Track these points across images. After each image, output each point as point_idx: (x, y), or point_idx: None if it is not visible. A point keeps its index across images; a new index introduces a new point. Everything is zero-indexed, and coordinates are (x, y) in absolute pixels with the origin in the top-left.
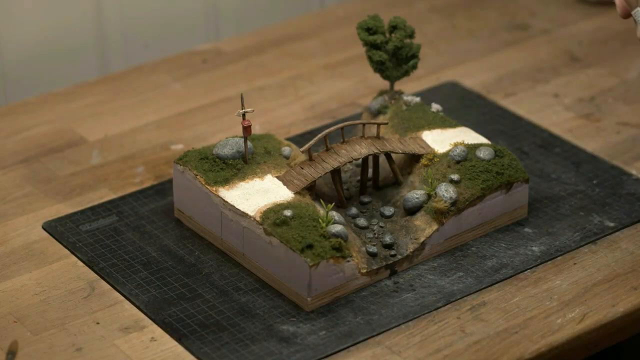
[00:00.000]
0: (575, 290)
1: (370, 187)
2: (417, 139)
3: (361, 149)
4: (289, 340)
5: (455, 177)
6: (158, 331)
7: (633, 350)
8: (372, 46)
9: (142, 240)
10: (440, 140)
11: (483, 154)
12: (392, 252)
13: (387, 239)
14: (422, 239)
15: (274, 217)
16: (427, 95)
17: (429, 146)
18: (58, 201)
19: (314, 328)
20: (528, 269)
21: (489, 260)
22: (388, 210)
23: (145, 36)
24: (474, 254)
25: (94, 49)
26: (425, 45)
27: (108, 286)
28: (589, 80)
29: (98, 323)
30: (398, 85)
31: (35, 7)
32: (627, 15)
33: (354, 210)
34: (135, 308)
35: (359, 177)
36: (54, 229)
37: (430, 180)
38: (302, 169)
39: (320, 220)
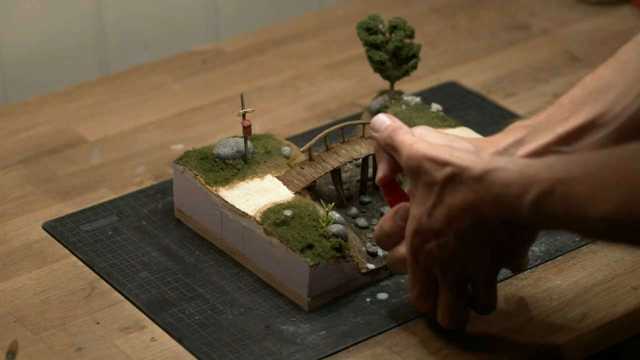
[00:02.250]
0: (575, 290)
1: (370, 187)
2: None
3: (361, 149)
4: (289, 340)
5: None
6: (158, 331)
7: (633, 350)
8: (372, 46)
9: (142, 240)
10: None
11: None
12: None
13: None
14: None
15: (274, 217)
16: (427, 95)
17: None
18: (58, 201)
19: (314, 328)
20: (528, 269)
21: None
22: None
23: (145, 36)
24: None
25: (94, 49)
26: (425, 45)
27: (108, 286)
28: None
29: (98, 323)
30: (398, 85)
31: (35, 8)
32: (383, 183)
33: (354, 210)
34: (135, 308)
35: (359, 177)
36: (54, 229)
37: None
38: (302, 169)
39: (320, 220)
